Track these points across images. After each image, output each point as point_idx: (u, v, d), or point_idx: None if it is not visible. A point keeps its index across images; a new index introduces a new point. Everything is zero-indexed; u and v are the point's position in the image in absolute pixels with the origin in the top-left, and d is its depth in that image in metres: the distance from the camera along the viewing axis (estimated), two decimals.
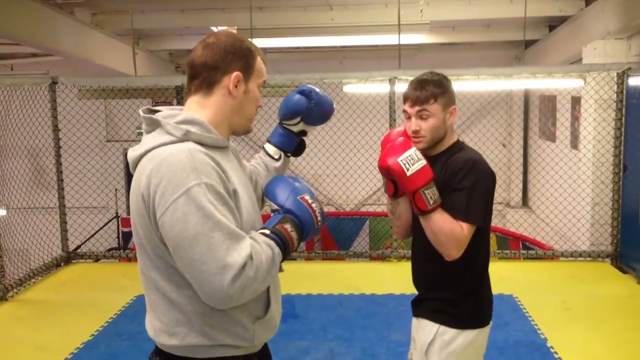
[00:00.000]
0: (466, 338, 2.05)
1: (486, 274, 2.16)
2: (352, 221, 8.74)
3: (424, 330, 2.10)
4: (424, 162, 1.91)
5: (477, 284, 2.11)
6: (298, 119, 1.92)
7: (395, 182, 2.08)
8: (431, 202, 1.90)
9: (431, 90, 2.01)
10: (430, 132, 2.02)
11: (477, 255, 2.06)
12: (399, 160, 1.89)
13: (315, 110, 1.91)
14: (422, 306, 2.15)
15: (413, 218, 2.16)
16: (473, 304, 2.08)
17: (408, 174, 1.88)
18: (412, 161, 1.89)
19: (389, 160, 1.90)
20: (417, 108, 2.02)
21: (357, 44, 9.56)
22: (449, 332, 2.05)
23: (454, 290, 2.07)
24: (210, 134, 1.53)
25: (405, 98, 2.06)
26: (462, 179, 1.96)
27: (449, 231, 1.93)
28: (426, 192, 1.89)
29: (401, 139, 1.96)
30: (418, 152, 1.92)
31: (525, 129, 11.04)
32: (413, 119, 2.04)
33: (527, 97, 10.83)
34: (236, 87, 1.57)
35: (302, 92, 1.91)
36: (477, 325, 2.08)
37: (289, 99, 1.92)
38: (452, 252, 1.95)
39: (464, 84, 5.57)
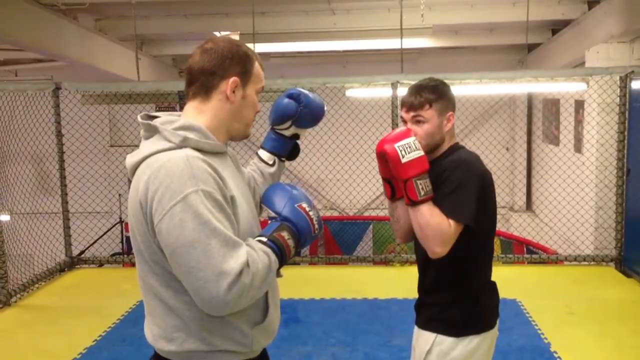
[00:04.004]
0: (466, 347, 1.99)
1: (487, 279, 2.12)
2: (356, 225, 8.73)
3: (422, 338, 2.08)
4: (421, 152, 1.90)
5: (474, 289, 2.06)
6: (289, 123, 1.91)
7: (391, 183, 2.09)
8: (422, 192, 1.88)
9: (426, 96, 2.01)
10: (425, 138, 2.02)
11: (472, 259, 2.02)
12: (395, 146, 1.88)
13: (305, 113, 1.90)
14: (421, 314, 2.13)
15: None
16: (469, 309, 2.03)
17: (403, 161, 1.87)
18: (409, 149, 1.88)
19: (385, 145, 1.89)
20: (412, 114, 2.03)
21: (360, 49, 9.56)
22: (447, 341, 2.00)
23: (448, 295, 2.04)
24: (208, 140, 1.53)
25: (402, 104, 2.07)
26: (446, 178, 1.95)
27: (436, 225, 1.89)
28: (418, 182, 1.88)
29: (403, 128, 1.95)
30: (417, 142, 1.91)
31: (529, 133, 11.02)
32: (409, 124, 2.05)
33: (530, 100, 10.82)
34: (234, 92, 1.58)
35: (290, 96, 1.90)
36: (475, 330, 2.02)
37: (278, 103, 1.90)
38: (437, 248, 1.91)
39: (466, 88, 5.56)
